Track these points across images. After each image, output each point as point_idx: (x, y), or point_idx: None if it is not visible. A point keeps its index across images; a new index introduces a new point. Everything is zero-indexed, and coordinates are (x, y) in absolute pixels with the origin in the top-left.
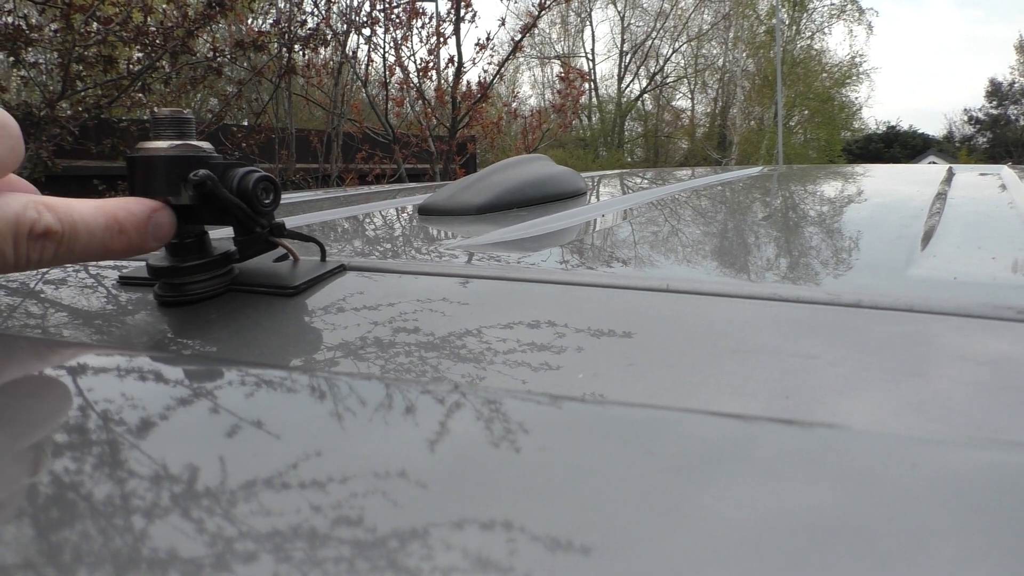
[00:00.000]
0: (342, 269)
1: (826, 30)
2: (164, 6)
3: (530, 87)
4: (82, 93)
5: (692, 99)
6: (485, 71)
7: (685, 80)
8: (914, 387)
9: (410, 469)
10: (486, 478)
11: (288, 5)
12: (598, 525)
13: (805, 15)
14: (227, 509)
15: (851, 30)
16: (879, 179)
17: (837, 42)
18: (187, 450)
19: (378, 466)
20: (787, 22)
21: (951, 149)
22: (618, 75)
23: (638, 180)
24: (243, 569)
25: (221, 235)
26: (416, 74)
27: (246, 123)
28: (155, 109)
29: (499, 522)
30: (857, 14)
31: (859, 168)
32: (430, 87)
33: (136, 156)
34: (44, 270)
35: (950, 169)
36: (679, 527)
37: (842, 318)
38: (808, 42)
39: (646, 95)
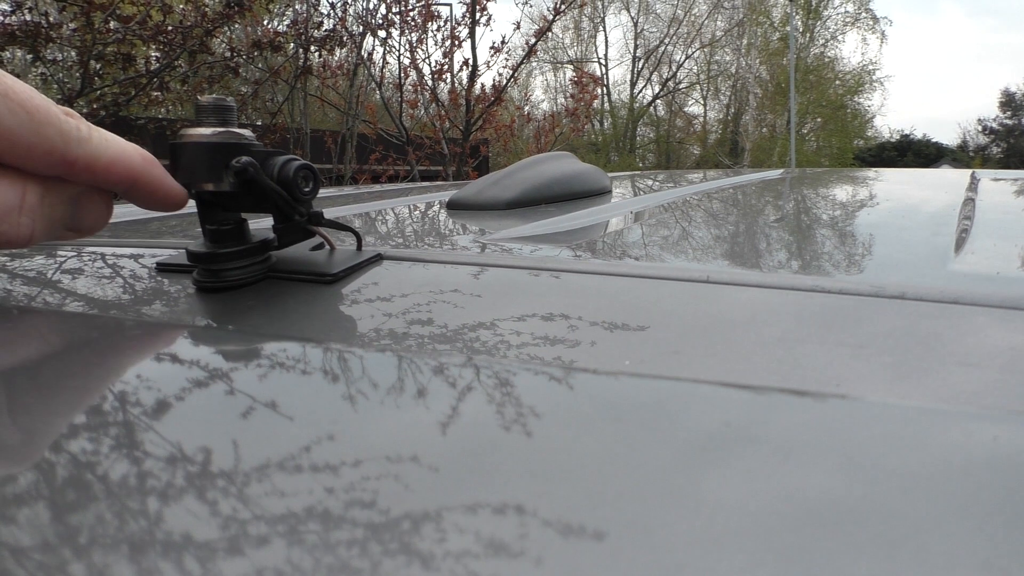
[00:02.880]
0: (379, 258)
1: (840, 38)
2: (182, 6)
3: (543, 91)
4: (100, 91)
5: (704, 105)
6: (499, 74)
7: (698, 86)
8: (965, 376)
9: (449, 448)
10: (534, 457)
11: (305, 7)
12: (643, 504)
13: (819, 23)
14: (267, 485)
15: (864, 38)
16: (908, 181)
17: (850, 50)
18: (228, 426)
19: (416, 445)
20: (801, 29)
21: (965, 158)
22: (631, 80)
23: (665, 180)
24: (295, 535)
25: (258, 224)
26: (430, 76)
27: (261, 123)
28: (198, 97)
29: (548, 502)
30: (871, 22)
31: (887, 171)
32: (444, 90)
33: (179, 142)
34: (81, 253)
35: (973, 174)
36: (730, 509)
37: (887, 309)
38: (821, 50)
39: (658, 100)
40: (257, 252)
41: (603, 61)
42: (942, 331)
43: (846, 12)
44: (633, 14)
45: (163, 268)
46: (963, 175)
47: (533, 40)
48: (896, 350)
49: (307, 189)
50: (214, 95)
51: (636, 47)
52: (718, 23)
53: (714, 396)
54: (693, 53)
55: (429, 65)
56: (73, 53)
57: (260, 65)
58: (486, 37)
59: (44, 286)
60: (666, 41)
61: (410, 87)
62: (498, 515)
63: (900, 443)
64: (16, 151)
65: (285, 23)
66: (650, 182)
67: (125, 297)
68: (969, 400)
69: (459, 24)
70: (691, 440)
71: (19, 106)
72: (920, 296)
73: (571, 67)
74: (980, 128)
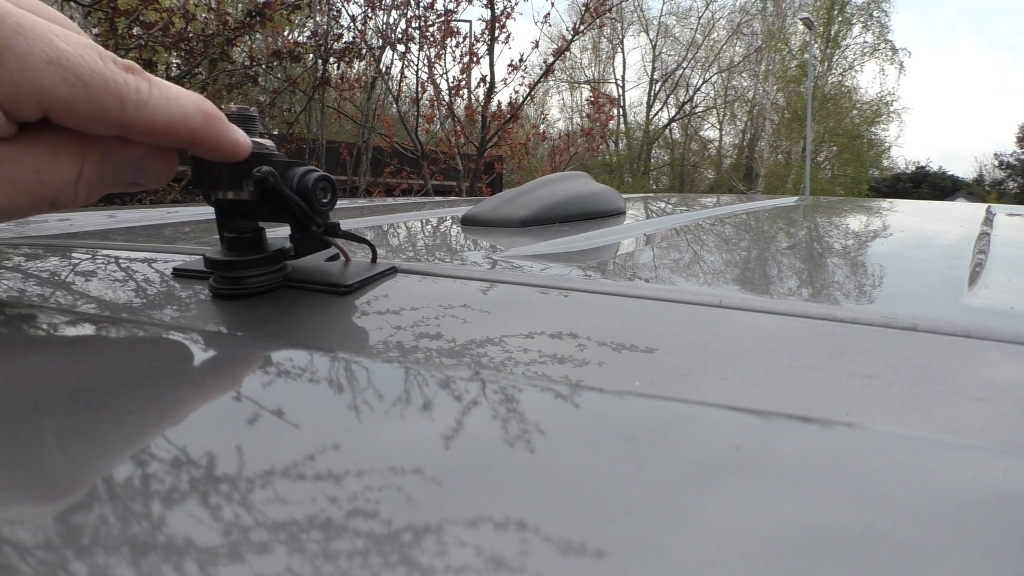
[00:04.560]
0: (393, 271)
1: (858, 68)
2: (205, 14)
3: (559, 110)
4: None
5: (720, 130)
6: (516, 92)
7: (714, 111)
8: (975, 410)
9: (456, 462)
10: (540, 474)
11: (325, 19)
12: (648, 525)
13: (837, 52)
14: (276, 492)
15: (883, 69)
16: (922, 214)
17: (868, 80)
18: (240, 433)
19: (423, 457)
20: (819, 58)
21: (981, 192)
22: (647, 103)
23: (679, 203)
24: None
25: (275, 234)
26: (447, 92)
27: (277, 132)
28: (223, 106)
29: (553, 519)
30: (890, 53)
31: (901, 203)
32: (461, 105)
33: None
34: (98, 256)
35: (989, 208)
36: (736, 533)
37: (899, 340)
38: (839, 78)
39: (674, 124)
40: (274, 261)
41: (620, 82)
42: (953, 364)
43: (865, 42)
44: (652, 37)
45: (179, 274)
46: (978, 209)
47: (551, 59)
48: (906, 381)
49: (325, 200)
50: (238, 105)
51: (654, 70)
52: (736, 49)
53: (723, 420)
54: (710, 78)
55: (446, 80)
56: None
57: (279, 75)
58: (504, 55)
59: (60, 288)
60: (684, 65)
61: (427, 102)
62: (503, 531)
63: (908, 474)
64: (72, 120)
65: (305, 34)
66: (664, 205)
67: (142, 301)
68: (978, 434)
69: (478, 41)
70: (698, 463)
71: (73, 75)
72: (932, 328)
73: (588, 87)
74: (997, 162)
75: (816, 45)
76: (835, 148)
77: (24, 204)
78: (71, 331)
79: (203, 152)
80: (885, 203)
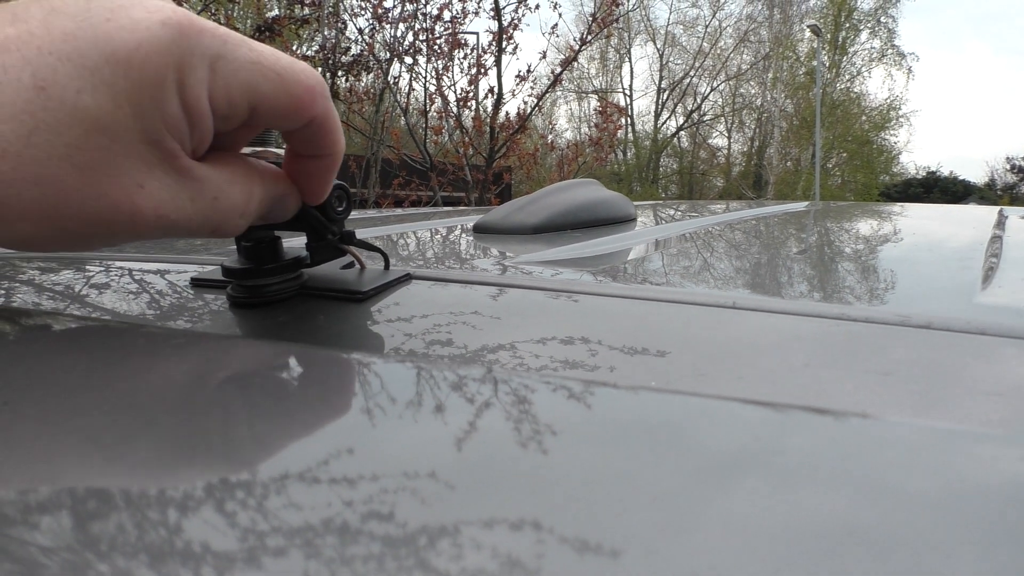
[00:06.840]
0: (408, 278)
1: (866, 73)
2: None
3: (567, 120)
4: None
5: (729, 137)
6: (524, 103)
7: (722, 118)
8: (991, 405)
9: (473, 462)
10: (558, 473)
11: (333, 32)
12: (666, 523)
13: (845, 58)
14: (294, 496)
15: (891, 74)
16: (935, 217)
17: (877, 86)
18: (262, 438)
19: (440, 459)
20: (827, 64)
21: (992, 197)
22: (655, 111)
23: (689, 209)
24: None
25: (290, 243)
26: (455, 103)
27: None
28: None
29: (571, 518)
30: (897, 58)
31: (913, 207)
32: (469, 116)
33: None
34: (116, 267)
35: (1001, 211)
36: (755, 530)
37: (913, 338)
38: (847, 85)
39: (682, 132)
40: (290, 269)
41: (628, 91)
42: (968, 361)
43: (872, 48)
44: (659, 46)
45: (197, 283)
46: (991, 212)
47: (559, 69)
48: (922, 378)
49: (340, 209)
50: None
51: (661, 78)
52: (744, 56)
53: (739, 417)
54: (718, 85)
55: (454, 92)
56: None
57: None
58: (512, 65)
59: (80, 300)
60: (691, 73)
61: (435, 113)
62: (521, 531)
63: (925, 467)
64: (274, 111)
65: (314, 48)
66: (674, 211)
67: (161, 311)
68: (994, 427)
69: (485, 52)
70: (715, 460)
71: (270, 70)
72: (947, 326)
73: (596, 97)
74: (1008, 166)
75: (824, 52)
76: (844, 154)
77: (193, 222)
78: (93, 341)
79: (324, 171)
80: (896, 207)
